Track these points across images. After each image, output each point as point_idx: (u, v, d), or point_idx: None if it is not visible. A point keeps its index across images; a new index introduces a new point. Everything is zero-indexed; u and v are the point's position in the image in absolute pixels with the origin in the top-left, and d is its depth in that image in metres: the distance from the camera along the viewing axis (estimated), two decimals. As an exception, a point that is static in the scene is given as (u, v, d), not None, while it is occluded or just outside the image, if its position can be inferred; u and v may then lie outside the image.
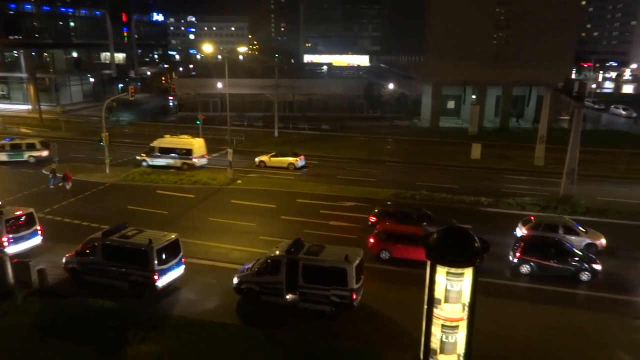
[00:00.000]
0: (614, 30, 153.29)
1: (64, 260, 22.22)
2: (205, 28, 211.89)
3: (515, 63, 60.21)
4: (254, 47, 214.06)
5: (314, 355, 17.20)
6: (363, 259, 20.33)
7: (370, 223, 28.69)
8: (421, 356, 14.80)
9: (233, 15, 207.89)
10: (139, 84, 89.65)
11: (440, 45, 61.66)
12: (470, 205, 33.30)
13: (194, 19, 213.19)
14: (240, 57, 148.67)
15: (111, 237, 21.38)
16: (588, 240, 26.13)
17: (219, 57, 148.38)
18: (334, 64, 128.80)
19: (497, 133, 61.20)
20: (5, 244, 23.59)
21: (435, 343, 14.25)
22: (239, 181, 38.60)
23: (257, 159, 43.79)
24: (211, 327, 18.55)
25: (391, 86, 70.95)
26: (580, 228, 26.81)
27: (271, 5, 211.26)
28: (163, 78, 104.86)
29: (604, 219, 30.65)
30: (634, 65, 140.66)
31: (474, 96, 66.00)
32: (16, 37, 72.38)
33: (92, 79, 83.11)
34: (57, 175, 36.10)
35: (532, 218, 27.82)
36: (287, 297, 20.01)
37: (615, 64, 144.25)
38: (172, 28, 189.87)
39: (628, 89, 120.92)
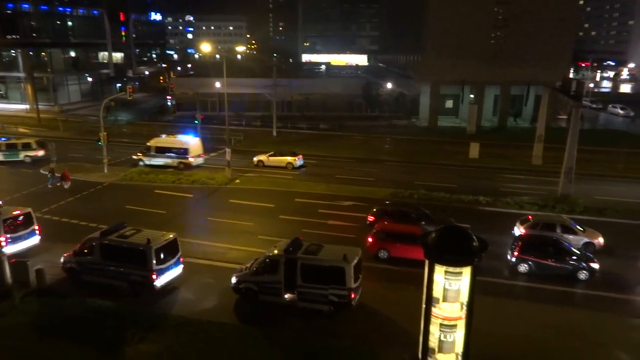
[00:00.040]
0: (612, 30, 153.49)
1: (62, 260, 22.20)
2: (204, 27, 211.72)
3: (513, 62, 60.24)
4: (252, 47, 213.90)
5: (313, 355, 17.20)
6: (361, 258, 20.36)
7: (368, 222, 28.70)
8: (419, 355, 14.81)
9: (231, 14, 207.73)
10: (137, 83, 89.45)
11: (439, 44, 61.67)
12: (469, 205, 33.34)
13: (192, 18, 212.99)
14: (239, 56, 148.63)
15: (109, 237, 21.36)
16: (586, 239, 26.18)
17: (217, 56, 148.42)
18: (332, 63, 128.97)
19: (495, 132, 61.27)
20: (3, 243, 23.56)
21: (433, 342, 14.27)
22: (237, 181, 38.59)
23: (255, 159, 43.77)
24: (209, 326, 18.54)
25: (389, 85, 71.02)
26: (578, 227, 26.86)
27: (269, 5, 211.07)
28: (161, 77, 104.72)
29: (602, 218, 30.71)
30: (631, 65, 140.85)
31: (472, 95, 66.03)
32: (14, 36, 72.18)
33: (90, 79, 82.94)
34: (56, 175, 36.06)
35: (530, 217, 27.87)
36: (286, 296, 20.02)
37: (613, 64, 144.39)
38: (170, 27, 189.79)
39: (626, 88, 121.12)
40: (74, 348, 17.27)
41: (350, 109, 71.38)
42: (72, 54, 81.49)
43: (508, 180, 40.35)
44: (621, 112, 75.25)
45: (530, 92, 64.68)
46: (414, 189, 36.19)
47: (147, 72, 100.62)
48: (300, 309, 19.77)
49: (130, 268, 20.69)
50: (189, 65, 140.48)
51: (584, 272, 23.06)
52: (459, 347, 14.23)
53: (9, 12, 72.08)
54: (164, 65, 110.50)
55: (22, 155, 42.62)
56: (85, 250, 21.58)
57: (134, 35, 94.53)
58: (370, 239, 25.29)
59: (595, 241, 26.24)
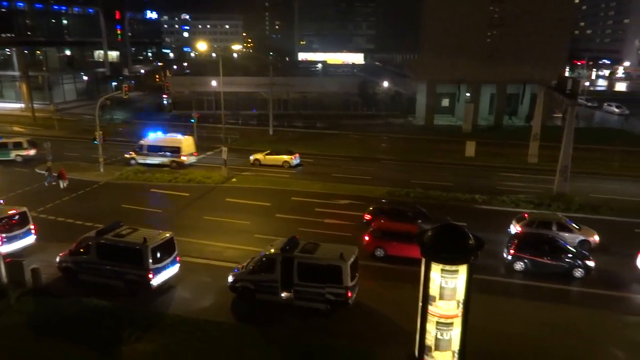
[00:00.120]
0: (607, 29, 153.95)
1: (57, 260, 22.11)
2: (200, 26, 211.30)
3: (509, 61, 60.36)
4: (249, 45, 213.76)
5: (309, 353, 17.21)
6: (358, 257, 20.37)
7: (365, 221, 28.72)
8: (416, 353, 14.85)
9: (227, 13, 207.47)
10: (133, 82, 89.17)
11: (435, 43, 61.70)
12: (465, 203, 33.41)
13: (188, 16, 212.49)
14: (235, 55, 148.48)
15: (105, 236, 21.30)
16: (581, 237, 26.30)
17: (214, 55, 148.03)
18: (329, 62, 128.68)
19: (491, 131, 61.38)
20: (-1, 243, 23.47)
21: (430, 340, 14.31)
22: (234, 179, 38.54)
23: (251, 157, 43.73)
24: (206, 325, 18.52)
25: (386, 84, 70.99)
26: (574, 225, 26.96)
27: (266, 3, 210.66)
28: (157, 76, 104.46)
29: (597, 216, 30.85)
30: (626, 63, 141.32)
31: (468, 94, 66.14)
32: (8, 34, 71.83)
33: (85, 77, 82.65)
34: (53, 174, 35.95)
35: (526, 215, 27.95)
36: (282, 295, 20.02)
37: (609, 62, 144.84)
38: (166, 26, 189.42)
39: (621, 86, 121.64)
40: (70, 348, 17.22)
41: (347, 108, 71.39)
42: (68, 52, 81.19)
43: (504, 178, 40.46)
44: (616, 110, 75.52)
45: (526, 90, 64.86)
46: (410, 187, 36.23)
47: (142, 71, 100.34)
48: (297, 307, 19.78)
49: (127, 267, 20.65)
50: (185, 64, 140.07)
51: (580, 269, 23.15)
52: (456, 345, 14.27)
53: (3, 10, 71.79)
54: (159, 63, 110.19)
55: (13, 155, 42.36)
56: (81, 250, 21.51)
57: (129, 34, 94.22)
58: (366, 238, 25.31)
59: (591, 239, 26.36)
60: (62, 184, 35.20)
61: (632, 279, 23.36)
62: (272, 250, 20.37)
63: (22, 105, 70.23)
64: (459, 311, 13.92)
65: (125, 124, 62.56)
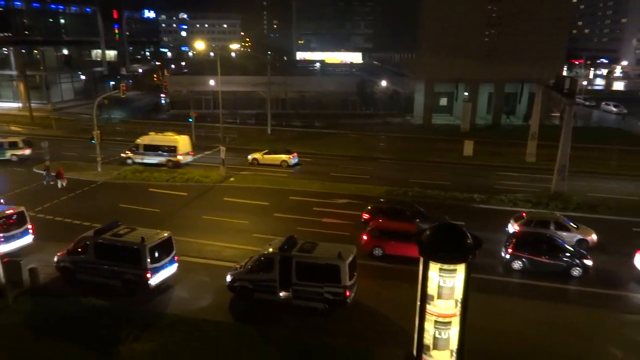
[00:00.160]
0: (605, 28, 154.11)
1: (55, 259, 22.08)
2: (198, 25, 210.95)
3: (507, 60, 60.42)
4: (247, 45, 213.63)
5: (307, 353, 17.21)
6: (356, 256, 20.36)
7: (363, 220, 28.71)
8: (414, 352, 14.86)
9: (225, 12, 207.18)
10: (131, 81, 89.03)
11: (433, 42, 61.72)
12: (463, 202, 33.42)
13: (186, 16, 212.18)
14: (233, 54, 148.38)
15: (103, 236, 21.28)
16: (579, 236, 26.34)
17: (211, 54, 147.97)
18: (327, 61, 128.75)
19: (489, 130, 61.43)
20: (-4, 243, 23.42)
21: (428, 339, 14.31)
22: (232, 179, 38.51)
23: (250, 157, 43.69)
24: (204, 325, 18.51)
25: (384, 83, 71.04)
26: (572, 224, 27.01)
27: (264, 3, 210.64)
28: (155, 75, 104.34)
29: (595, 215, 30.90)
30: (624, 62, 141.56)
31: (466, 93, 66.17)
32: (6, 34, 71.60)
33: (83, 77, 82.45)
34: (51, 173, 35.90)
35: (523, 214, 28.00)
36: (281, 294, 20.02)
37: (606, 61, 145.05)
38: (163, 25, 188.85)
39: (619, 85, 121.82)
40: (68, 347, 17.19)
41: (345, 107, 71.36)
42: (65, 51, 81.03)
43: (502, 177, 40.50)
44: (614, 109, 75.63)
45: (524, 89, 64.91)
46: (408, 186, 36.24)
47: (140, 70, 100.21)
48: (295, 306, 19.78)
49: (125, 267, 20.63)
50: (183, 63, 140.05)
51: (578, 268, 23.19)
52: (454, 344, 14.28)
53: (0, 9, 71.54)
54: (157, 63, 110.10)
55: (8, 154, 42.25)
56: (79, 249, 21.48)
57: (127, 33, 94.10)
58: (364, 237, 25.32)
59: (589, 238, 26.40)
60: (60, 184, 35.14)
61: (629, 277, 23.40)
62: (271, 250, 20.36)
63: (20, 104, 70.07)
64: (457, 310, 13.93)
65: (123, 123, 62.41)
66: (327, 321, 19.12)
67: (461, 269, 13.57)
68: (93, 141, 38.68)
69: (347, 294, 19.25)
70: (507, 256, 24.00)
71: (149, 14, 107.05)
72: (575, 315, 19.94)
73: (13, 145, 42.67)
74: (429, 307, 14.01)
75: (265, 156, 43.33)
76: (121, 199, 33.03)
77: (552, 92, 41.83)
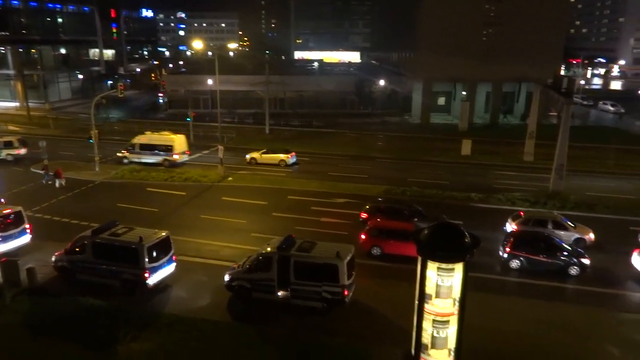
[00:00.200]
0: (603, 27, 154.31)
1: (53, 259, 22.05)
2: (195, 24, 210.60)
3: (505, 60, 60.47)
4: (245, 44, 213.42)
5: (306, 352, 17.22)
6: (354, 255, 20.37)
7: (361, 219, 28.72)
8: (412, 351, 14.87)
9: (223, 11, 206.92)
10: (129, 80, 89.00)
11: (431, 41, 61.74)
12: (461, 201, 33.46)
13: (183, 15, 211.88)
14: (231, 53, 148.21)
15: (101, 235, 21.24)
16: (577, 235, 26.39)
17: (209, 53, 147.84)
18: (325, 60, 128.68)
19: (487, 129, 61.48)
20: (-6, 242, 23.38)
21: (426, 338, 14.32)
22: (230, 178, 38.48)
23: (248, 156, 43.67)
24: (202, 324, 18.51)
25: (382, 83, 71.04)
26: (569, 223, 27.06)
27: (262, 2, 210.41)
28: (153, 75, 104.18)
29: (593, 214, 30.96)
30: (622, 62, 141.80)
31: (464, 93, 66.29)
32: (3, 33, 71.44)
33: (80, 76, 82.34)
34: (49, 172, 35.85)
35: (521, 213, 28.04)
36: (279, 293, 20.01)
37: (604, 61, 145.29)
38: (161, 24, 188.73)
39: (616, 85, 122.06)
40: (66, 347, 17.17)
41: (343, 106, 71.36)
42: (63, 51, 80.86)
43: (500, 176, 40.56)
44: (612, 108, 75.79)
45: (522, 89, 65.07)
46: (406, 186, 36.27)
47: (138, 70, 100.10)
48: (293, 306, 19.78)
49: (123, 266, 20.60)
50: (181, 63, 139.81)
51: (575, 267, 23.23)
52: (452, 343, 14.29)
53: (-2, 8, 71.46)
54: (155, 62, 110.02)
55: (4, 154, 42.12)
56: (77, 249, 21.44)
57: (125, 32, 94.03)
58: (363, 236, 25.33)
59: (586, 237, 26.45)
60: (59, 183, 35.09)
61: (627, 276, 23.46)
62: (269, 249, 20.36)
63: (17, 104, 69.99)
64: (455, 309, 13.94)
65: (120, 122, 62.30)
66: (326, 320, 19.12)
67: (459, 268, 13.58)
68: (91, 140, 38.61)
69: (346, 293, 19.26)
70: (505, 255, 24.04)
71: (147, 13, 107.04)
72: (573, 314, 19.99)
73: (8, 145, 42.56)
74: (427, 306, 14.03)
75: (264, 155, 43.31)
76: (119, 199, 32.99)
77: (549, 91, 41.86)
